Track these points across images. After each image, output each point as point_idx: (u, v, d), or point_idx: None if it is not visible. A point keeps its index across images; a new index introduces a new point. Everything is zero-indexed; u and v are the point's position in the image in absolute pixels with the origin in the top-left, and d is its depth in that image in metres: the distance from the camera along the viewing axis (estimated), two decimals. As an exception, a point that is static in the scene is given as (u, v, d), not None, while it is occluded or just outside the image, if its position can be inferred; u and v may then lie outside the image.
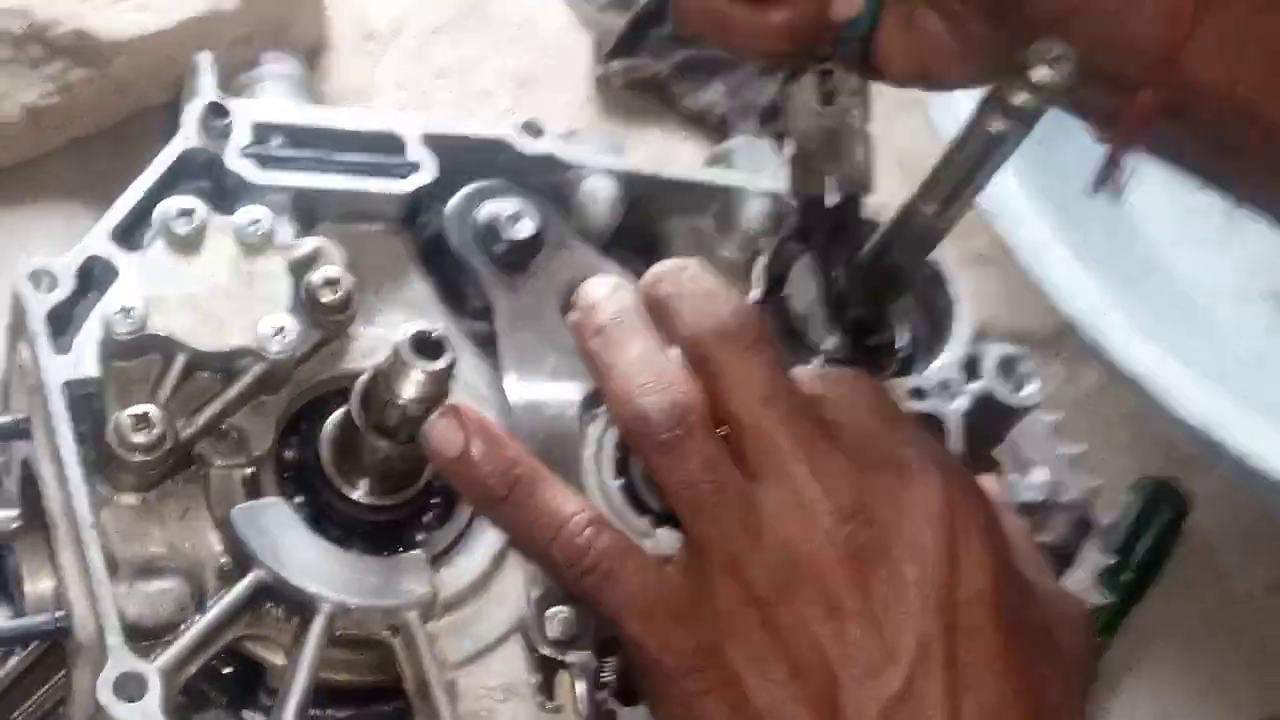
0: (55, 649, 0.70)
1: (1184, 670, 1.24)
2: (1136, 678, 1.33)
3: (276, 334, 0.69)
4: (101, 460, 0.69)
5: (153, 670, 0.64)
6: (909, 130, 1.07)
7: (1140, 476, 1.23)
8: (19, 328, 0.72)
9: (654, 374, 0.65)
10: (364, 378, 0.68)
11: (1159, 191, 1.23)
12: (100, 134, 1.09)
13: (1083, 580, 0.91)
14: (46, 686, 0.70)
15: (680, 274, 0.69)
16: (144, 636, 0.66)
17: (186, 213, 0.71)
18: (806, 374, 0.70)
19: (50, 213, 1.08)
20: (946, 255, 0.85)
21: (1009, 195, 1.08)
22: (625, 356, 0.66)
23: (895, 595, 0.62)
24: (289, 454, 0.73)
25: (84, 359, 0.69)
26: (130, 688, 0.63)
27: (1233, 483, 1.09)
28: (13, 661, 0.70)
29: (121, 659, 0.64)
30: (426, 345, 0.65)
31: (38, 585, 0.73)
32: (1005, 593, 0.64)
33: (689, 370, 0.66)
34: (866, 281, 0.82)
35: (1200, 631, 1.23)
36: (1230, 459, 1.00)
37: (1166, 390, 1.04)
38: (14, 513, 0.76)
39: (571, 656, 0.71)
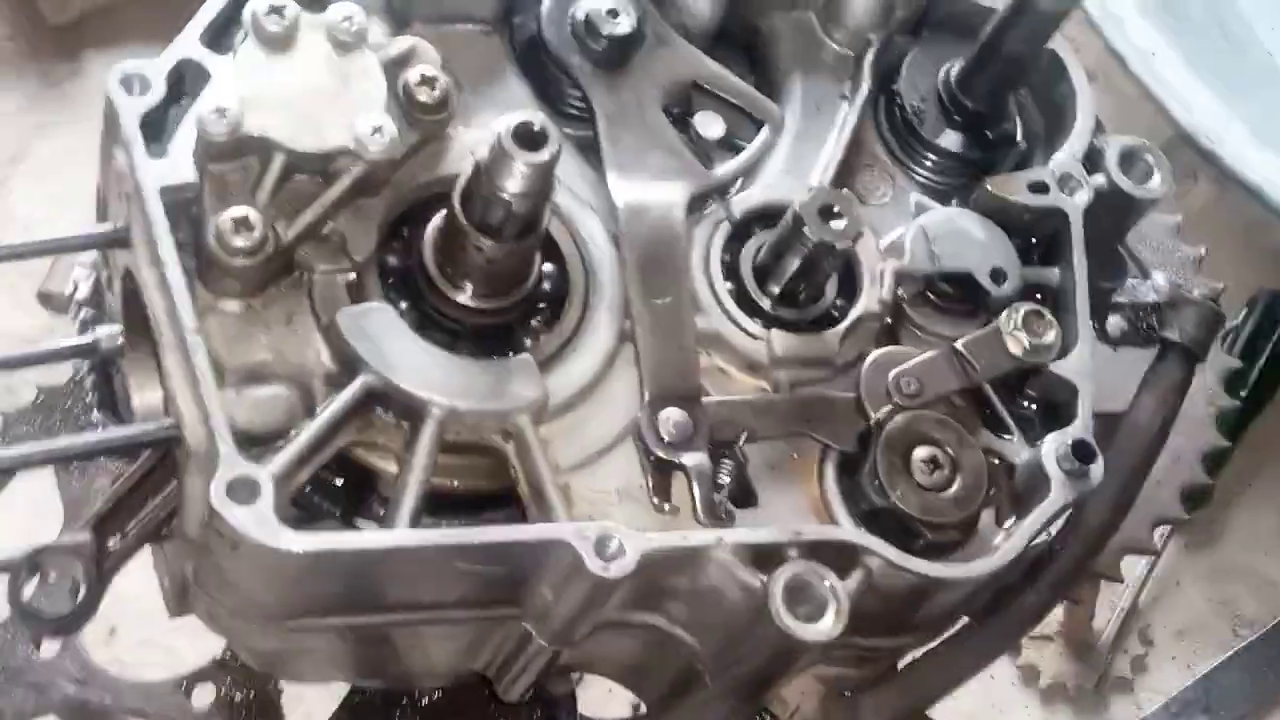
0: (166, 461, 0.69)
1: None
2: (1256, 491, 1.30)
3: (374, 133, 0.67)
4: (203, 267, 0.67)
5: (265, 474, 0.63)
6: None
7: (1257, 288, 1.19)
8: (112, 134, 0.70)
9: None
10: (466, 174, 0.66)
11: (1273, -1, 1.18)
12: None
13: (1210, 386, 0.88)
14: (159, 498, 0.69)
15: None
16: (254, 443, 0.65)
17: (277, 9, 0.68)
18: None
19: (132, 56, 1.07)
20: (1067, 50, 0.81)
21: (1117, 8, 1.04)
22: None
23: None
24: (392, 260, 0.71)
25: (180, 164, 0.67)
26: (243, 492, 0.62)
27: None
28: (126, 473, 0.69)
29: (233, 464, 0.62)
30: (529, 136, 0.62)
31: (146, 397, 0.72)
32: None
33: None
34: (983, 72, 0.79)
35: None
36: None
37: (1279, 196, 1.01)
38: (118, 328, 0.75)
39: (686, 458, 0.69)
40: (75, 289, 0.81)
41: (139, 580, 0.80)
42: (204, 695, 0.87)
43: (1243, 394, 0.95)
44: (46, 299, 1.04)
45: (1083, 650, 1.60)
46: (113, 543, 0.69)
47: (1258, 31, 1.17)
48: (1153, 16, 1.02)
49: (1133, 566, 1.55)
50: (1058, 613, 1.56)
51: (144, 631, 1.14)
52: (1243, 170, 1.04)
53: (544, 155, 0.62)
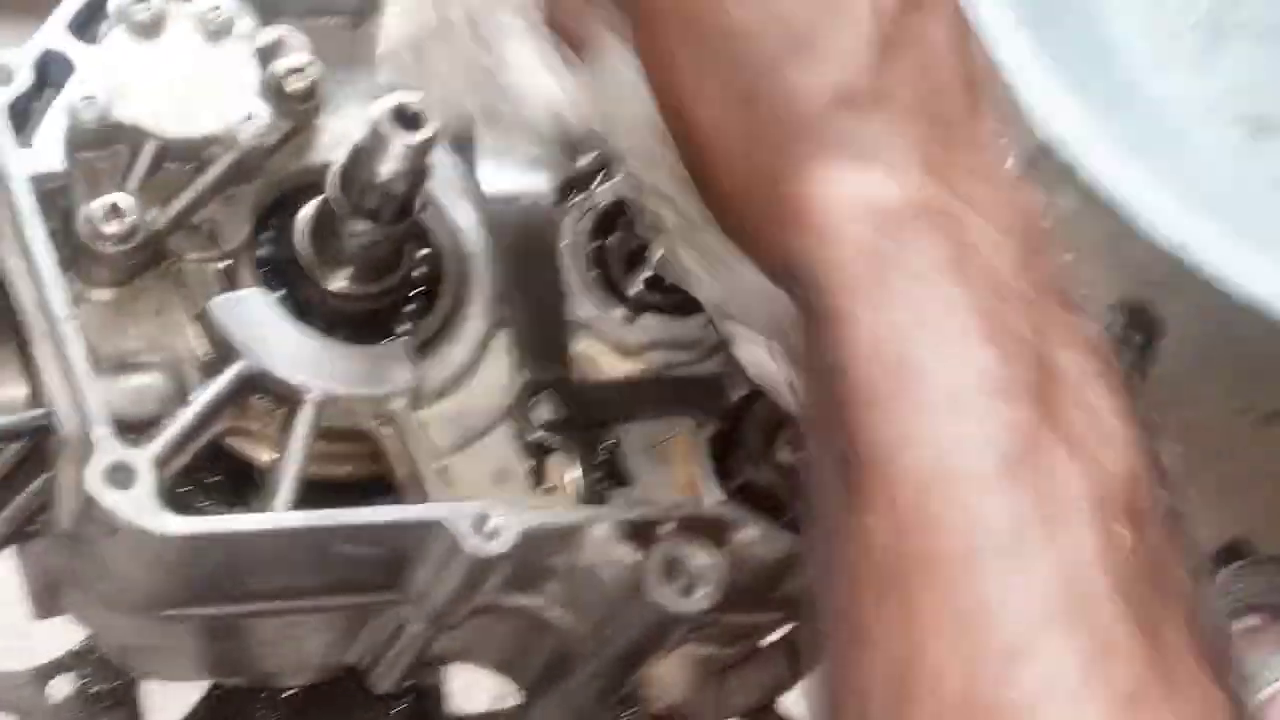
0: (33, 454, 0.68)
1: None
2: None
3: (246, 120, 0.67)
4: (72, 256, 0.67)
5: (143, 459, 0.62)
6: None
7: (1115, 300, 1.24)
8: (-26, 125, 0.69)
9: None
10: (342, 158, 0.66)
11: (1137, 15, 1.23)
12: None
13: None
14: (23, 495, 0.69)
15: None
16: (129, 432, 0.65)
17: (143, -1, 0.68)
18: None
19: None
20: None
21: (986, 17, 1.07)
22: None
23: None
24: (264, 251, 0.71)
25: (47, 153, 0.67)
26: (120, 476, 0.62)
27: (1204, 308, 1.10)
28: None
29: (110, 448, 0.62)
30: (407, 117, 0.63)
31: (7, 392, 0.71)
32: None
33: None
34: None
35: (1168, 455, 1.24)
36: (1205, 282, 1.01)
37: (1143, 212, 1.04)
38: (-23, 324, 0.74)
39: (561, 441, 0.71)
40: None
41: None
42: (61, 686, 0.85)
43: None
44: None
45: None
46: (-23, 539, 0.68)
47: (1121, 52, 1.21)
48: (1028, 28, 1.06)
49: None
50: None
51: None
52: (1104, 183, 1.07)
53: (422, 134, 0.63)
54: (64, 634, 0.86)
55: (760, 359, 0.66)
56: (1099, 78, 1.18)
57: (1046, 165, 1.15)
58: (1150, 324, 1.31)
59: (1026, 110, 1.08)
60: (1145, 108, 1.22)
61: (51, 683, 0.86)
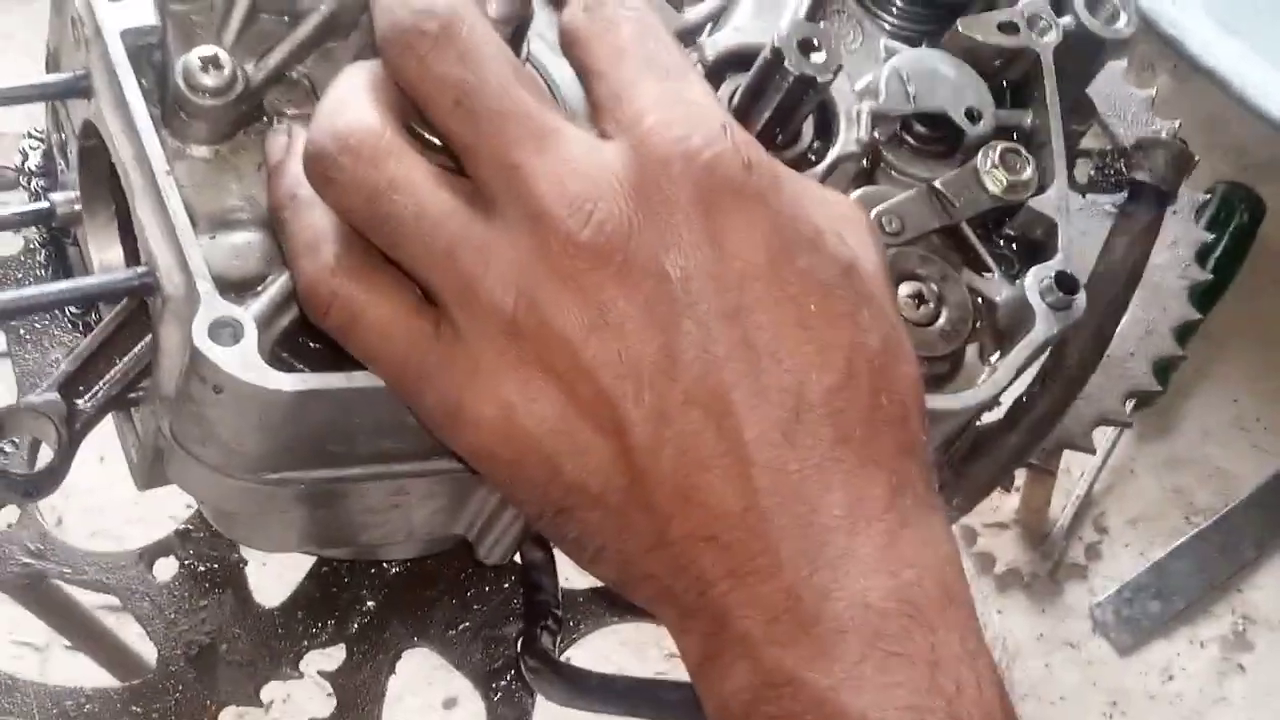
0: (133, 319, 0.67)
1: (1258, 373, 1.23)
2: (1210, 383, 1.32)
3: (343, -31, 0.65)
4: (169, 112, 0.65)
5: (247, 316, 0.61)
6: None
7: (1215, 180, 1.20)
8: (66, -18, 0.67)
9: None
10: None
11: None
12: None
13: (1183, 258, 0.89)
14: (128, 357, 0.67)
15: None
16: (231, 290, 0.63)
17: None
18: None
19: None
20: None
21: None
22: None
23: (659, 294, 0.56)
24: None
25: (140, 5, 0.65)
26: (225, 333, 0.60)
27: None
28: (94, 331, 0.67)
29: (214, 305, 0.61)
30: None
31: (107, 257, 0.70)
32: (784, 254, 0.57)
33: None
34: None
35: (1273, 337, 1.21)
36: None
37: (1245, 86, 1.01)
38: (74, 193, 0.73)
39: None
40: (25, 158, 0.79)
41: (87, 475, 0.78)
42: (166, 568, 0.85)
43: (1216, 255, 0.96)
44: (-7, 175, 1.01)
45: (1037, 538, 1.62)
46: (81, 404, 0.67)
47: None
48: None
49: (1085, 460, 1.57)
50: (1013, 500, 1.58)
51: (93, 524, 1.11)
52: (1204, 57, 1.03)
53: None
54: (158, 533, 0.86)
55: None
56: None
57: (1142, 49, 1.11)
58: (1252, 202, 1.27)
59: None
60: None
61: (157, 563, 0.86)
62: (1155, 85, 0.89)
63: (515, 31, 0.62)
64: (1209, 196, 1.18)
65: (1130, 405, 0.88)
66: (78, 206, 0.73)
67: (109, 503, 0.74)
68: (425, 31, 0.57)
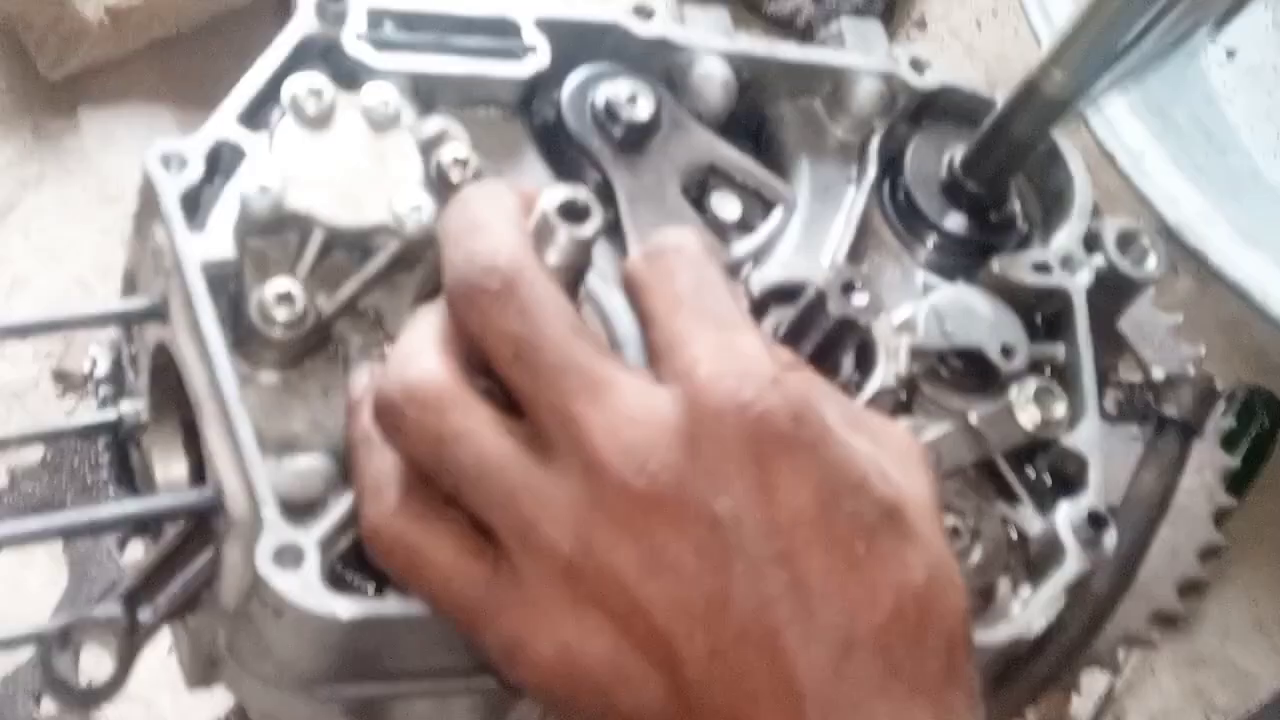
0: (198, 531, 0.70)
1: (1277, 577, 1.24)
2: (1229, 584, 1.33)
3: (413, 210, 0.69)
4: (241, 340, 0.68)
5: (310, 540, 0.64)
6: (996, 42, 1.06)
7: (1236, 383, 1.22)
8: (149, 212, 0.71)
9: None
10: None
11: (1257, 100, 1.23)
12: (183, 36, 1.09)
13: (1210, 483, 0.90)
14: (189, 571, 0.70)
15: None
16: (292, 513, 0.66)
17: (316, 91, 0.70)
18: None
19: (133, 115, 1.08)
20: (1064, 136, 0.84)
21: (1107, 101, 1.08)
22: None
23: (712, 539, 0.58)
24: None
25: (220, 239, 0.69)
26: (288, 558, 0.63)
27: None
28: (158, 545, 0.69)
29: (278, 530, 0.63)
30: (574, 210, 0.64)
31: (170, 470, 0.73)
32: (833, 501, 0.60)
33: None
34: (986, 156, 0.82)
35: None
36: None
37: (1267, 296, 1.03)
38: (141, 403, 0.76)
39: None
40: (94, 366, 0.82)
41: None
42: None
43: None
44: (63, 377, 1.04)
45: (1059, 737, 1.62)
46: (143, 615, 0.69)
47: (1241, 137, 1.21)
48: (1142, 117, 1.06)
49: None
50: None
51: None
52: (1226, 267, 1.06)
53: (588, 230, 0.64)
54: (186, 700, 0.87)
55: None
56: (1219, 163, 1.17)
57: (1169, 249, 1.14)
58: (1273, 408, 1.29)
59: (1148, 194, 1.08)
60: (1267, 193, 1.21)
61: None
62: (1181, 309, 0.92)
63: (574, 278, 0.66)
64: (1230, 408, 1.20)
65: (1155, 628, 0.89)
66: (145, 418, 0.75)
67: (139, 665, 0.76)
68: (487, 289, 0.60)
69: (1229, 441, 1.10)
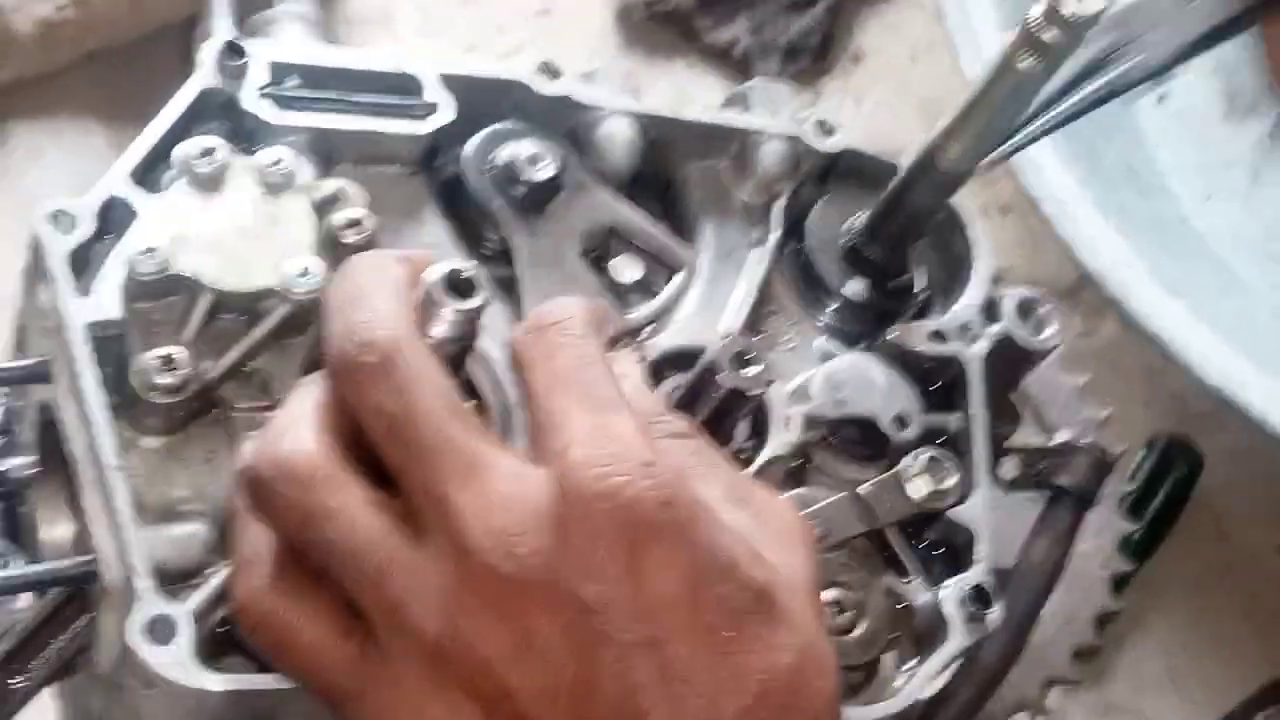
0: (75, 596, 0.69)
1: (1191, 627, 1.25)
2: (1144, 633, 1.34)
3: (301, 275, 0.69)
4: (124, 403, 0.68)
5: (183, 612, 0.63)
6: (930, 77, 1.06)
7: (1154, 432, 1.23)
8: (37, 269, 0.70)
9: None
10: None
11: (1185, 148, 1.23)
12: (116, 50, 1.07)
13: (1105, 549, 0.91)
14: (65, 635, 0.69)
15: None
16: (171, 580, 0.65)
17: (208, 152, 0.70)
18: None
19: (64, 128, 1.06)
20: (966, 200, 0.84)
21: (1031, 149, 1.08)
22: None
23: (580, 624, 0.58)
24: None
25: (106, 301, 0.68)
26: (161, 631, 0.63)
27: (1245, 443, 1.09)
28: (33, 609, 0.69)
29: (151, 602, 0.63)
30: (458, 284, 0.64)
31: (54, 531, 0.72)
32: (701, 585, 0.59)
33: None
34: (885, 224, 0.82)
35: (1208, 589, 1.23)
36: (1246, 420, 1.00)
37: (1186, 348, 1.04)
38: (30, 459, 0.75)
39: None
40: (-18, 419, 0.81)
41: None
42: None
43: (1137, 535, 0.98)
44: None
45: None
46: (15, 683, 0.68)
47: (1170, 183, 1.21)
48: (1068, 162, 1.06)
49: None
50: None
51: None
52: (1146, 317, 1.06)
53: (473, 303, 0.64)
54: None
55: None
56: (1145, 209, 1.18)
57: (1088, 296, 1.15)
58: (1190, 457, 1.30)
59: (1070, 241, 1.08)
60: (1192, 241, 1.22)
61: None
62: (1101, 357, 0.92)
63: (459, 350, 0.65)
64: (1145, 451, 1.21)
65: (1050, 692, 0.90)
66: (32, 471, 0.75)
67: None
68: (364, 363, 0.60)
69: (1148, 488, 1.11)
